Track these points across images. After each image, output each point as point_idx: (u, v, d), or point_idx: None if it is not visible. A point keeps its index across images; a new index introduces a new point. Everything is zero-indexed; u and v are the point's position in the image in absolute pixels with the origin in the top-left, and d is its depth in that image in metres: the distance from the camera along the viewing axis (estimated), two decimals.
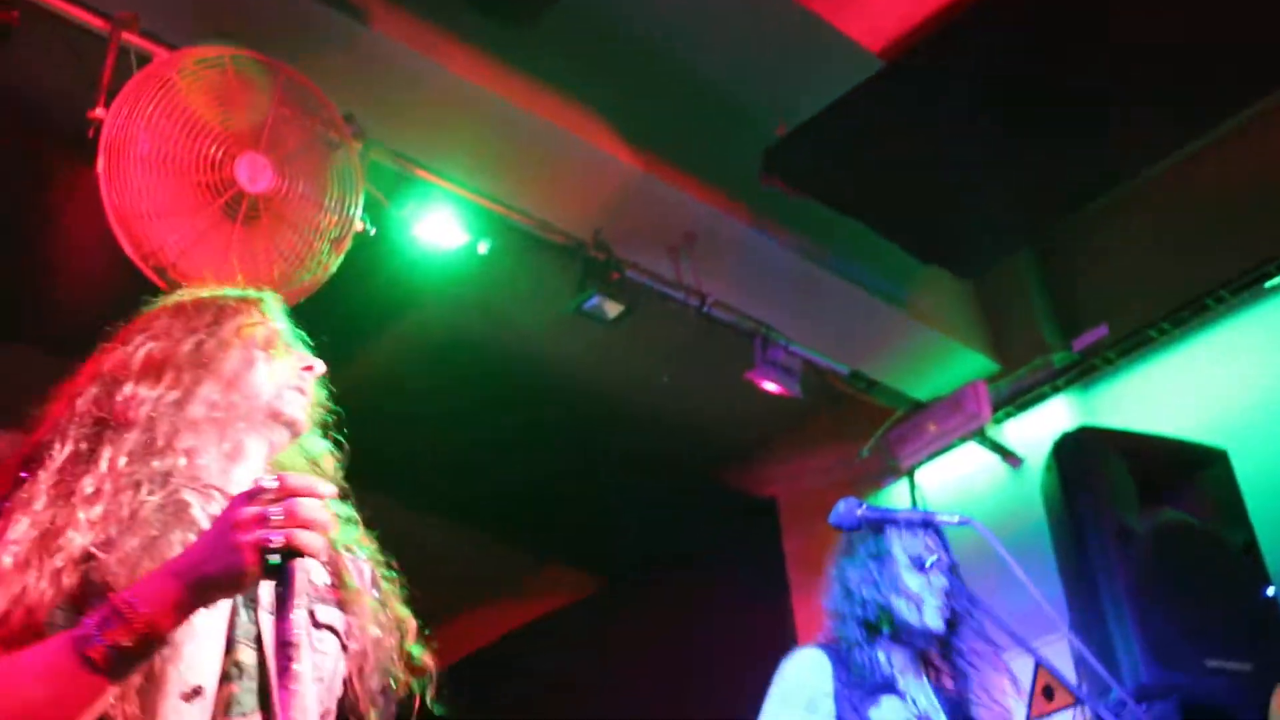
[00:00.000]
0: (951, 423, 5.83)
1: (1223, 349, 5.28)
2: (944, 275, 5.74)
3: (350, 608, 2.10)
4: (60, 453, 1.92)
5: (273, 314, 2.23)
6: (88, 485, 1.87)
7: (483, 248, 4.46)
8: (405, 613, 2.19)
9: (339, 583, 2.11)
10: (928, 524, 3.51)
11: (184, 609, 1.70)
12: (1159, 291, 5.40)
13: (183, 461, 1.98)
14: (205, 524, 1.93)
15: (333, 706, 2.03)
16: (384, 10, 4.09)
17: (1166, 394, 5.42)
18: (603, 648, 6.99)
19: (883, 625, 3.40)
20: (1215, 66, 4.55)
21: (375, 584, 2.18)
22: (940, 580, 3.43)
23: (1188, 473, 4.80)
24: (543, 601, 7.31)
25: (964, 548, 3.64)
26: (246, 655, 1.89)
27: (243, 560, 1.67)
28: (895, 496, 6.15)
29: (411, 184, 4.31)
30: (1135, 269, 5.53)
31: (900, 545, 3.44)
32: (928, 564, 3.43)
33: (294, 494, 1.70)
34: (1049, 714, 5.31)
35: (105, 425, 1.97)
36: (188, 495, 1.96)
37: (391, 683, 2.13)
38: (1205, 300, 5.25)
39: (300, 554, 1.71)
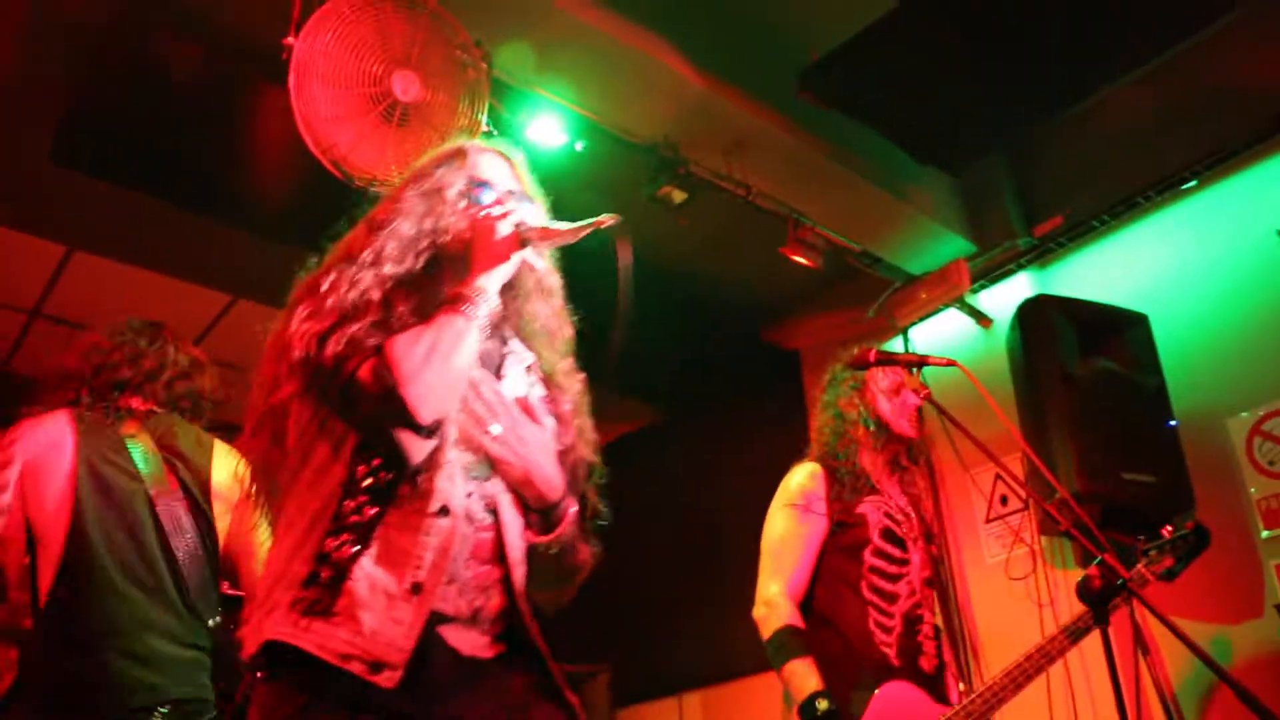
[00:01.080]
0: (938, 291, 5.84)
1: (1149, 237, 5.29)
2: (935, 173, 5.73)
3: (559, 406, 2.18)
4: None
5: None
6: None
7: (579, 146, 4.50)
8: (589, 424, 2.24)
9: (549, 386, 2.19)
10: (923, 364, 3.60)
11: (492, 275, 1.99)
12: (1102, 190, 5.37)
13: None
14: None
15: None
16: None
17: (1104, 271, 5.42)
18: (662, 466, 7.00)
19: (865, 425, 3.50)
20: (1154, 7, 4.54)
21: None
22: (912, 400, 3.55)
23: (1117, 332, 4.87)
24: (616, 428, 7.32)
25: (948, 386, 3.74)
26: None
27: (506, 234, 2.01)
28: (894, 348, 6.18)
29: (524, 96, 4.34)
30: (1085, 171, 5.49)
31: (878, 377, 3.56)
32: (900, 389, 3.56)
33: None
34: (1003, 516, 5.46)
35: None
36: None
37: (586, 473, 2.19)
38: (1137, 198, 5.25)
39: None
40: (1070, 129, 5.50)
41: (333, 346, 1.85)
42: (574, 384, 2.24)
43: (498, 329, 2.15)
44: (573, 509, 2.08)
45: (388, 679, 1.75)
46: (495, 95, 4.04)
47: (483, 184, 2.16)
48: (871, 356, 3.39)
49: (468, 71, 3.79)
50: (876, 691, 3.11)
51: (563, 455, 2.13)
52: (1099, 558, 2.72)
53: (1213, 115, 4.99)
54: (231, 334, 6.07)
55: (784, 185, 5.15)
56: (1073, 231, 5.51)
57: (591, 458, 2.21)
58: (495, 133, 4.00)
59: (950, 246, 5.77)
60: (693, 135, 4.77)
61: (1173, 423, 4.70)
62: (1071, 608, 3.17)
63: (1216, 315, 4.94)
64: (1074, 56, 4.81)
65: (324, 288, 1.95)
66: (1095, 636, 2.84)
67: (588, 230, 2.06)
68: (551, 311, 2.25)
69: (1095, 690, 4.37)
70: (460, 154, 2.21)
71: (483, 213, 2.08)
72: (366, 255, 2.00)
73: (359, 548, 1.81)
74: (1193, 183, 5.09)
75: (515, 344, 2.21)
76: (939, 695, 3.26)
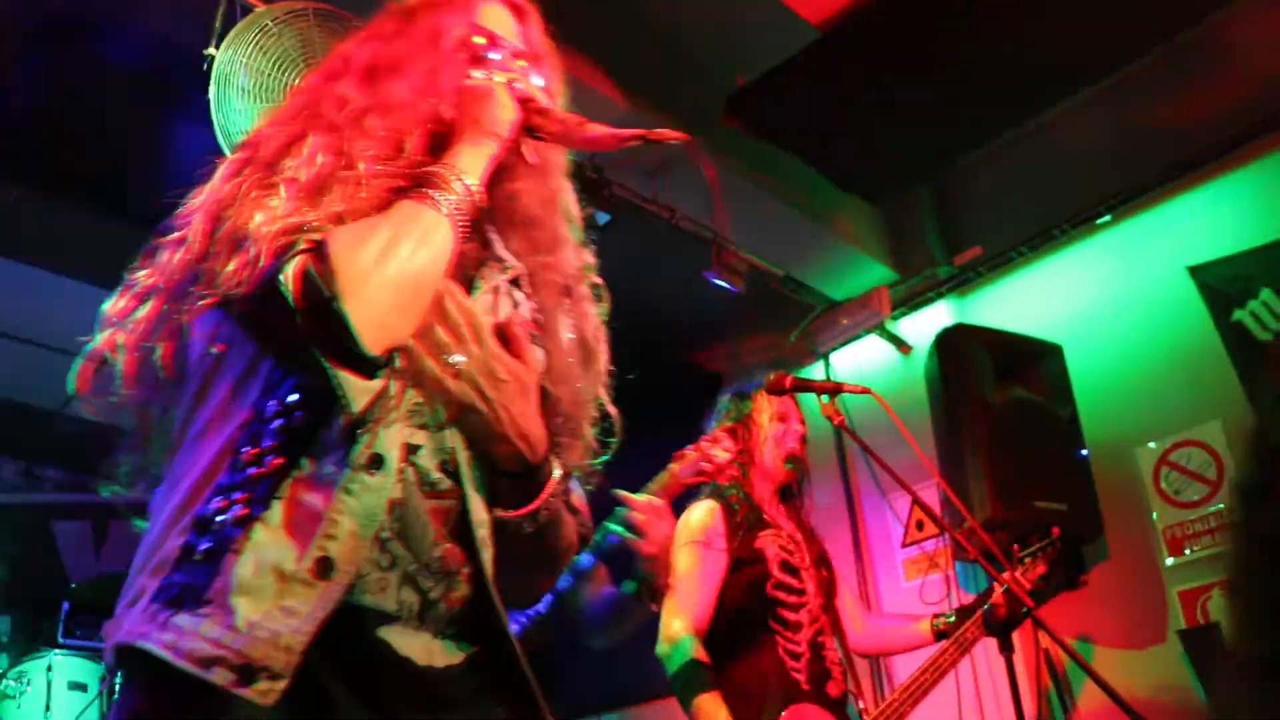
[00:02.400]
0: (859, 317, 5.90)
1: (1065, 270, 5.39)
2: (859, 201, 5.79)
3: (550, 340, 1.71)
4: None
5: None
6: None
7: None
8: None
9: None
10: (838, 391, 3.63)
11: (479, 148, 1.55)
12: (1020, 222, 5.48)
13: None
14: None
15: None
16: None
17: (1022, 302, 5.52)
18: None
19: (745, 471, 3.53)
20: (1072, 49, 4.65)
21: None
22: (795, 430, 3.60)
23: (1032, 361, 4.97)
24: None
25: (868, 413, 3.79)
26: None
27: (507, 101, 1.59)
28: (815, 373, 6.23)
29: None
30: (1004, 204, 5.59)
31: (764, 405, 3.59)
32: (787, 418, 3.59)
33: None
34: (919, 541, 5.53)
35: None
36: None
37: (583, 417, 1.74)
38: (1053, 231, 5.36)
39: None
40: (991, 162, 5.60)
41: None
42: (580, 304, 1.79)
43: (477, 226, 1.64)
44: (556, 473, 1.60)
45: (264, 693, 1.27)
46: None
47: (488, 38, 1.70)
48: (788, 383, 3.42)
49: None
50: (783, 713, 3.14)
51: (549, 401, 1.64)
52: (1005, 586, 2.78)
53: (1127, 153, 5.13)
54: None
55: (708, 208, 5.13)
56: (992, 262, 5.61)
57: (592, 406, 1.75)
58: None
59: (872, 273, 5.83)
60: (617, 156, 4.73)
61: (1084, 452, 4.81)
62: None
63: (1128, 348, 5.05)
64: (995, 92, 4.92)
65: (293, 161, 1.49)
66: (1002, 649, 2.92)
67: (633, 142, 1.66)
68: (548, 200, 1.79)
69: (1005, 711, 4.44)
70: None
71: (482, 73, 1.64)
72: (342, 117, 1.54)
73: (253, 510, 1.35)
74: (1107, 218, 5.21)
75: (499, 245, 1.74)
76: (844, 719, 3.30)
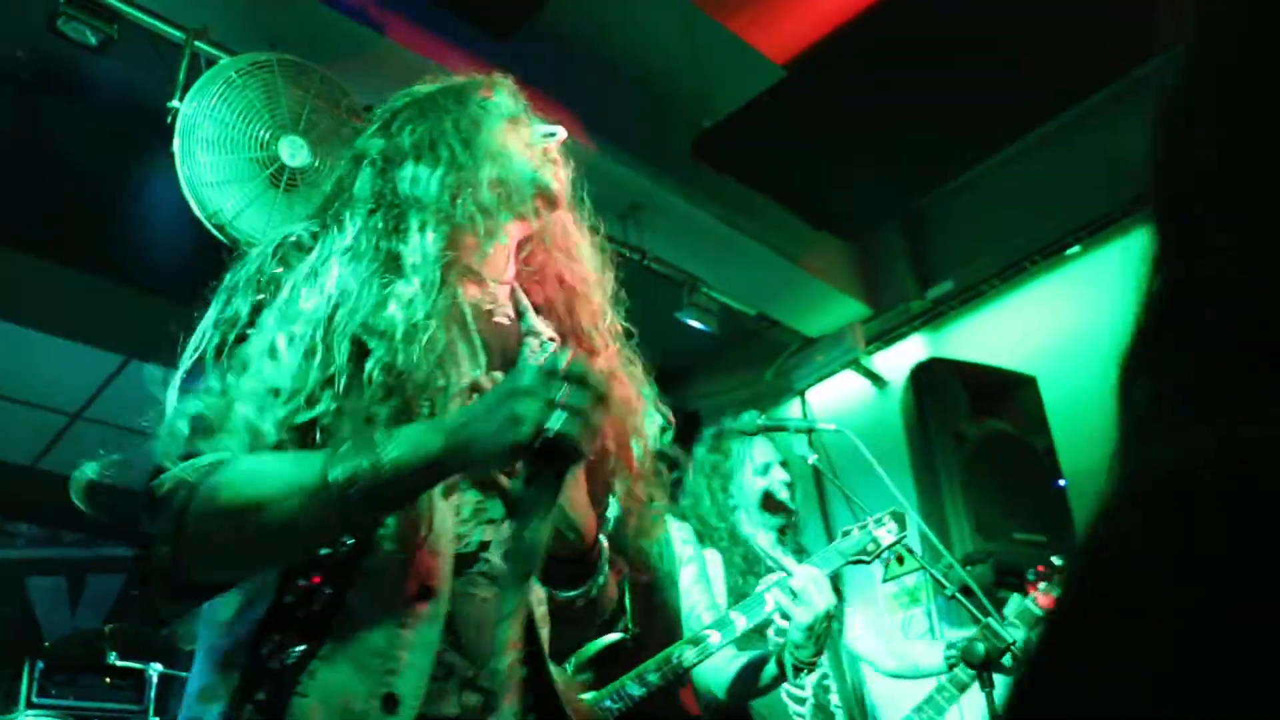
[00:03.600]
0: (834, 353, 5.92)
1: (1035, 301, 5.42)
2: (831, 239, 5.82)
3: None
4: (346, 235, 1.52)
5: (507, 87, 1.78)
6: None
7: None
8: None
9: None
10: (810, 430, 3.62)
11: (436, 464, 1.29)
12: (991, 255, 5.51)
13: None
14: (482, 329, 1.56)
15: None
16: (397, 23, 4.08)
17: (994, 334, 5.54)
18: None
19: (744, 511, 3.48)
20: (1037, 82, 4.69)
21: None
22: (782, 476, 3.56)
23: (1007, 393, 4.95)
24: None
25: (846, 448, 3.77)
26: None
27: (519, 433, 1.24)
28: (791, 410, 6.23)
29: None
30: (975, 238, 5.61)
31: (748, 453, 3.54)
32: (770, 468, 3.55)
33: (586, 384, 1.26)
34: (899, 576, 5.49)
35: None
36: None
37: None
38: (1024, 263, 5.39)
39: (572, 450, 1.27)
40: (961, 196, 5.63)
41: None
42: (614, 359, 1.69)
43: (512, 299, 1.66)
44: (604, 549, 1.58)
45: None
46: None
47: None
48: (757, 422, 3.41)
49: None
50: None
51: (595, 478, 1.56)
52: (984, 622, 2.77)
53: (1096, 183, 5.16)
54: (124, 395, 5.94)
55: (679, 250, 5.20)
56: (964, 295, 5.63)
57: (643, 459, 1.64)
58: None
59: (846, 309, 5.85)
60: (588, 199, 4.76)
61: (1062, 482, 4.80)
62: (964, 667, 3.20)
63: (1102, 376, 5.03)
64: (962, 127, 4.96)
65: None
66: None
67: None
68: (576, 258, 1.75)
69: None
70: (516, 121, 1.72)
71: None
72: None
73: (306, 647, 1.34)
74: (1076, 249, 5.23)
75: (531, 314, 1.70)
76: None
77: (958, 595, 2.82)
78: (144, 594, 1.21)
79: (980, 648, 2.79)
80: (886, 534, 2.94)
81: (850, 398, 5.99)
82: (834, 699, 3.33)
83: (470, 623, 1.44)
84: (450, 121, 1.64)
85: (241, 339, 1.42)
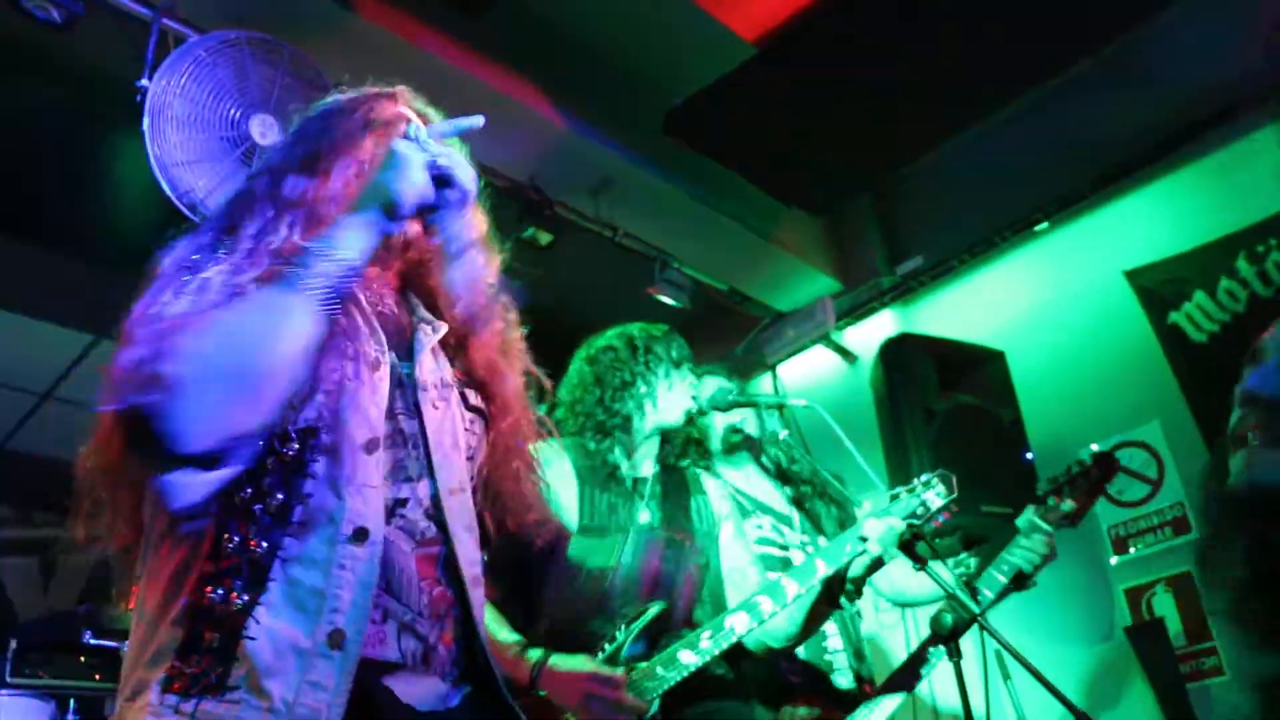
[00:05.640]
0: (805, 328, 5.99)
1: (1004, 276, 5.50)
2: (801, 214, 5.84)
3: (496, 399, 1.81)
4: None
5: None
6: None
7: None
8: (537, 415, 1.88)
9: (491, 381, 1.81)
10: (782, 405, 3.65)
11: (358, 218, 1.53)
12: (960, 231, 5.57)
13: None
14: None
15: (474, 480, 1.75)
16: (368, 1, 4.07)
17: (964, 309, 5.61)
18: None
19: None
20: (1004, 59, 4.71)
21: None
22: None
23: (976, 368, 4.94)
24: None
25: (817, 423, 3.82)
26: (408, 425, 1.62)
27: (412, 174, 1.55)
28: (762, 385, 6.29)
29: None
30: (944, 213, 5.68)
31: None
32: None
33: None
34: None
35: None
36: None
37: (527, 473, 1.84)
38: (993, 239, 5.45)
39: (454, 184, 1.59)
40: (930, 172, 5.67)
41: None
42: (504, 361, 1.84)
43: (403, 290, 1.81)
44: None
45: None
46: None
47: (418, 119, 1.82)
48: (729, 397, 3.45)
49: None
50: None
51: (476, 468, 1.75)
52: (951, 594, 2.81)
53: (1063, 160, 5.22)
54: (94, 375, 5.90)
55: (650, 225, 5.22)
56: (934, 270, 5.69)
57: (528, 465, 1.83)
58: None
59: (816, 285, 5.89)
60: (559, 177, 4.81)
61: (1029, 455, 4.86)
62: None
63: (1069, 351, 5.14)
64: (931, 103, 4.96)
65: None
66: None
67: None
68: (469, 263, 1.82)
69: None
70: (392, 97, 1.88)
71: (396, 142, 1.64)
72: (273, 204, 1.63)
73: (251, 594, 1.41)
74: (1045, 225, 5.30)
75: (421, 309, 1.82)
76: None
77: (927, 568, 2.86)
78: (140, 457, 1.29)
79: (948, 619, 2.85)
80: (935, 496, 2.94)
81: (821, 373, 6.04)
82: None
83: (402, 571, 1.54)
84: (330, 137, 1.75)
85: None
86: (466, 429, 1.73)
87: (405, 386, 1.64)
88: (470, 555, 1.62)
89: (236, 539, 1.43)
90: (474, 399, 1.78)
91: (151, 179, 3.39)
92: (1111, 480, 3.53)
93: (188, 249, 1.59)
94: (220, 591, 1.40)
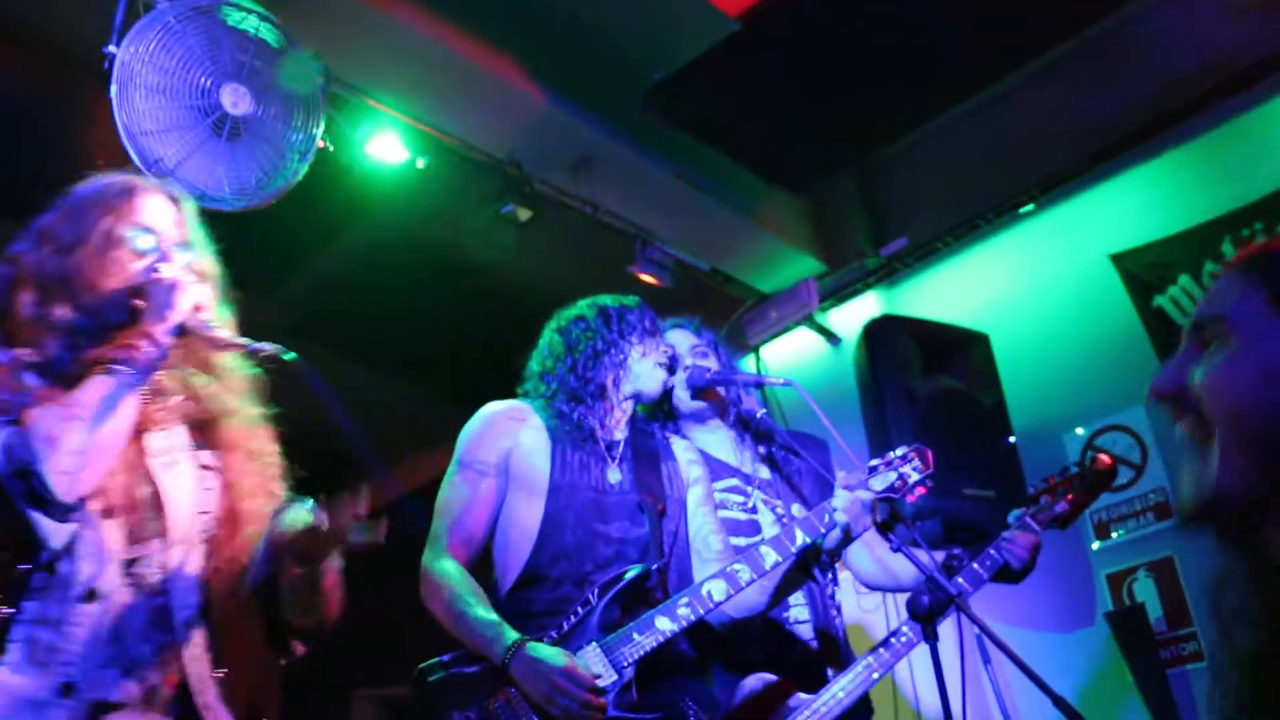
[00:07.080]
0: (788, 310, 5.92)
1: (988, 259, 5.47)
2: (784, 194, 5.79)
3: (229, 456, 2.02)
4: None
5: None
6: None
7: (420, 164, 4.42)
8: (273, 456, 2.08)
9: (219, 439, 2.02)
10: (760, 385, 3.61)
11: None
12: (945, 213, 5.53)
13: None
14: None
15: (205, 535, 1.94)
16: None
17: (948, 291, 5.58)
18: None
19: None
20: (990, 40, 4.69)
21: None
22: None
23: (958, 350, 4.95)
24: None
25: (799, 404, 3.80)
26: (143, 489, 1.87)
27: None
28: (745, 366, 6.23)
29: (363, 111, 4.24)
30: (930, 194, 5.63)
31: None
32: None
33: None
34: None
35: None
36: None
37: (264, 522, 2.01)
38: (978, 221, 5.43)
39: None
40: (915, 152, 5.64)
41: None
42: (237, 432, 2.05)
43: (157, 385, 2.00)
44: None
45: None
46: (334, 110, 3.96)
47: (147, 231, 2.02)
48: (706, 376, 3.43)
49: (302, 85, 3.68)
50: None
51: (211, 539, 1.96)
52: (929, 575, 2.79)
53: (1048, 142, 5.20)
54: None
55: (631, 203, 5.17)
56: (918, 252, 5.66)
57: (261, 518, 2.00)
58: (332, 148, 3.94)
59: (800, 266, 5.85)
60: (539, 153, 4.76)
61: (1012, 439, 4.84)
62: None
63: (1053, 335, 5.12)
64: (916, 83, 4.94)
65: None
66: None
67: (244, 350, 1.98)
68: (213, 366, 2.06)
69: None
70: (127, 192, 2.09)
71: (149, 270, 1.91)
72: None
73: None
74: (1030, 207, 5.27)
75: (172, 398, 2.05)
76: None
77: (904, 549, 2.83)
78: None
79: (925, 600, 2.82)
80: (911, 470, 2.95)
81: (804, 354, 6.00)
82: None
83: (129, 623, 1.78)
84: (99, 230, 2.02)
85: None
86: (206, 488, 1.96)
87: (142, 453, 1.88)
88: (185, 603, 1.85)
89: None
90: (206, 458, 2.00)
91: (120, 148, 3.32)
92: (1106, 488, 3.52)
93: None
94: None
